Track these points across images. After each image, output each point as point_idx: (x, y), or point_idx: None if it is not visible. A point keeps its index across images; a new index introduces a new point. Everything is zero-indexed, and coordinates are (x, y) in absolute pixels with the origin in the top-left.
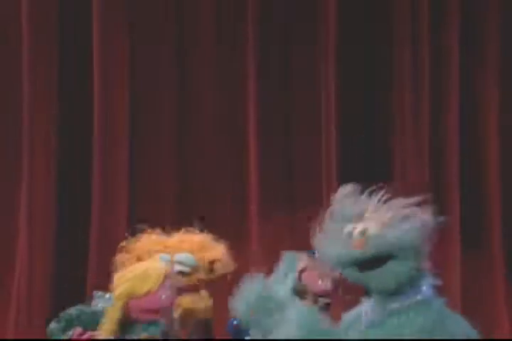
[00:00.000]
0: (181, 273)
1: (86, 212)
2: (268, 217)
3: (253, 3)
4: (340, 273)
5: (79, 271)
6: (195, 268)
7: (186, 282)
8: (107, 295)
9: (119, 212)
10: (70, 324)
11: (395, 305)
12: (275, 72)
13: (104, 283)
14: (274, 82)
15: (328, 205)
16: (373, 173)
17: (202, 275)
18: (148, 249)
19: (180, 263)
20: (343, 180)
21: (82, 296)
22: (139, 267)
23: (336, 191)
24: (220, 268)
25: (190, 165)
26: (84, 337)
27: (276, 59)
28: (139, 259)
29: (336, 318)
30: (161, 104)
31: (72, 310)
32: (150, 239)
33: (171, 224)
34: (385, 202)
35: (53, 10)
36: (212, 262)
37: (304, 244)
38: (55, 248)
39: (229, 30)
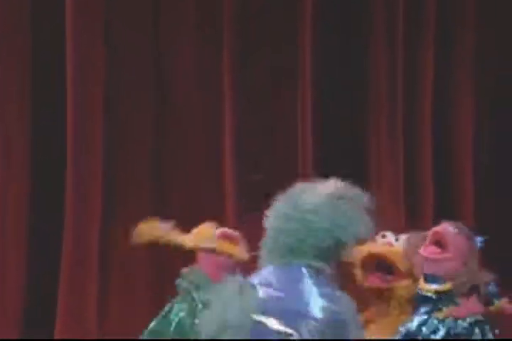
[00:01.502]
0: None
1: (59, 212)
2: (244, 215)
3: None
4: None
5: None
6: None
7: None
8: None
9: (93, 212)
10: None
11: None
12: (252, 73)
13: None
14: (252, 82)
15: None
16: (348, 170)
17: None
18: None
19: None
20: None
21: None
22: None
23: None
24: None
25: (168, 165)
26: None
27: (256, 61)
28: None
29: None
30: (137, 103)
31: None
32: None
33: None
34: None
35: (26, 9)
36: None
37: None
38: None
39: (208, 28)
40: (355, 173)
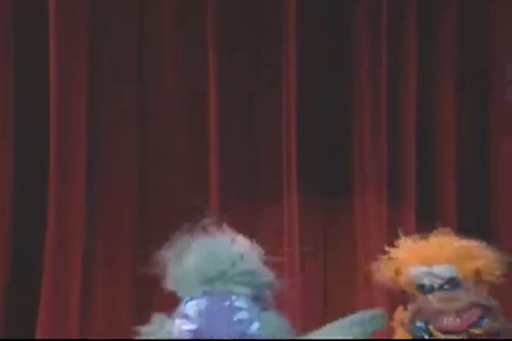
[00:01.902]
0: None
1: (42, 210)
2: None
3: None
4: None
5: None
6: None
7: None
8: None
9: (77, 211)
10: None
11: None
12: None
13: None
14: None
15: (289, 205)
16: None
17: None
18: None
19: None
20: (303, 180)
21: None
22: None
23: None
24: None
25: (152, 164)
26: None
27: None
28: (397, 273)
29: None
30: (121, 101)
31: None
32: (407, 248)
33: (130, 222)
34: None
35: (9, 7)
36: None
37: (264, 244)
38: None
39: (190, 27)
40: (339, 172)
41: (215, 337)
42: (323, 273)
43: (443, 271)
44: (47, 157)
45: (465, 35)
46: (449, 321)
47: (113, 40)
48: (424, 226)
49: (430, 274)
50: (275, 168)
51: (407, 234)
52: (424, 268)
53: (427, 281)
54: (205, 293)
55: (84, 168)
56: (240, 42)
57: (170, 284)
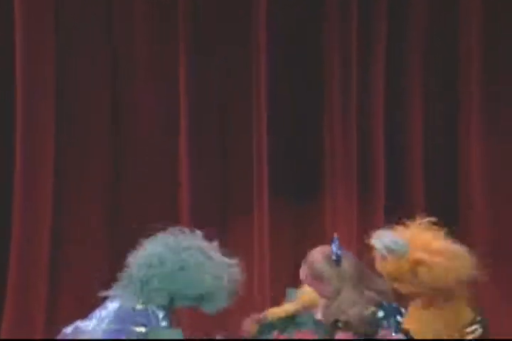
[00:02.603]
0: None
1: (7, 210)
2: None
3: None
4: None
5: None
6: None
7: None
8: None
9: (43, 211)
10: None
11: None
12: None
13: None
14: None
15: (259, 218)
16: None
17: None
18: None
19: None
20: (274, 192)
21: None
22: None
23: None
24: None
25: (123, 177)
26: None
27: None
28: None
29: None
30: (91, 103)
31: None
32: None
33: (97, 227)
34: None
35: None
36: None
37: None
38: None
39: (161, 29)
40: (310, 171)
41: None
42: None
43: (394, 242)
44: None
45: (432, 40)
46: None
47: (83, 43)
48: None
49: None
50: (246, 169)
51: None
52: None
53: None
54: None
55: (52, 171)
56: (210, 51)
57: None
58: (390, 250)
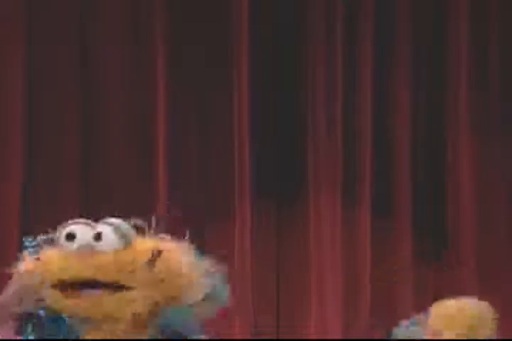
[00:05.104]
0: None
1: None
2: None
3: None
4: None
5: None
6: None
7: None
8: None
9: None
10: None
11: None
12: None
13: None
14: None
15: (241, 220)
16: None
17: None
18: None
19: None
20: (256, 194)
21: None
22: None
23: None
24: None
25: (95, 175)
26: None
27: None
28: None
29: None
30: (63, 104)
31: None
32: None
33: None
34: None
35: None
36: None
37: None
38: None
39: (138, 31)
40: (294, 175)
41: None
42: (276, 276)
43: None
44: None
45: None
46: None
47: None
48: (380, 226)
49: None
50: (227, 170)
51: (362, 234)
52: None
53: None
54: None
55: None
56: (189, 45)
57: None
58: None
